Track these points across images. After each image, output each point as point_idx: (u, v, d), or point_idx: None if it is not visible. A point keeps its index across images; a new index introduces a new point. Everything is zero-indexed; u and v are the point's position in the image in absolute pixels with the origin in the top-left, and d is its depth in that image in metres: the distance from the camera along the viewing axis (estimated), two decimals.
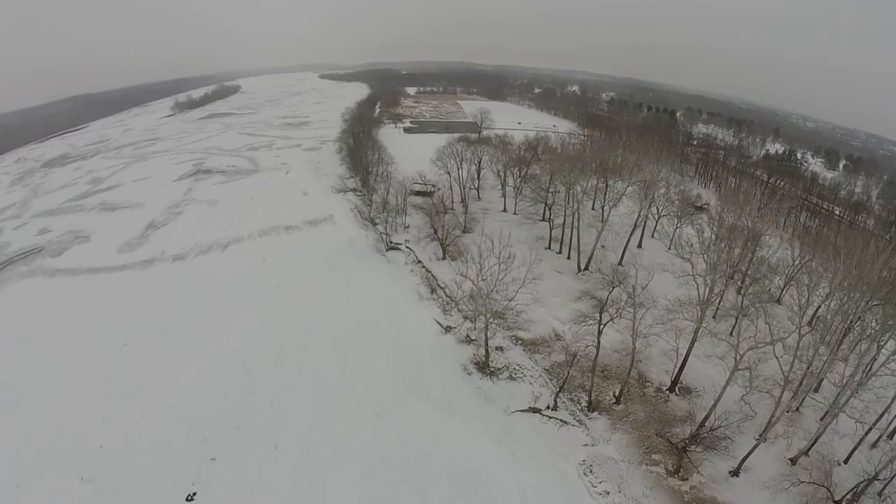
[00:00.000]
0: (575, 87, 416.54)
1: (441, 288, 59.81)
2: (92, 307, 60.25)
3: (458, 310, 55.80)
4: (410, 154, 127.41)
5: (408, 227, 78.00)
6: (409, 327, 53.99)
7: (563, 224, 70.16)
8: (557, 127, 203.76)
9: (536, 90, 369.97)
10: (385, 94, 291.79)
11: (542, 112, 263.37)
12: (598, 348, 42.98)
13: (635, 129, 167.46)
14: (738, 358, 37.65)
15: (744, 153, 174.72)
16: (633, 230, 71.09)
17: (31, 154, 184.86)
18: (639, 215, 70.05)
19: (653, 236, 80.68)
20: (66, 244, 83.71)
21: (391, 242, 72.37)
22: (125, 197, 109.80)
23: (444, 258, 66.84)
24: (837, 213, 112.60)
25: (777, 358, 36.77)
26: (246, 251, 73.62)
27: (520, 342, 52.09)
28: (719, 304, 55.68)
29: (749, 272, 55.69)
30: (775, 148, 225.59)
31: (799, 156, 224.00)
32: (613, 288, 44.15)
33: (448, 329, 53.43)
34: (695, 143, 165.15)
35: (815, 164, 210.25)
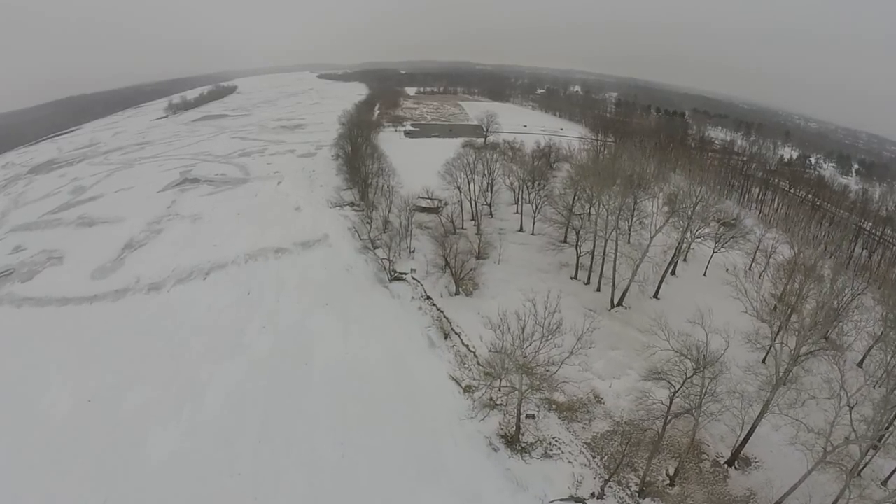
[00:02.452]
0: (577, 88, 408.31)
1: (456, 334, 50.82)
2: (57, 349, 52.31)
3: (479, 363, 46.92)
4: (413, 162, 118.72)
5: (413, 251, 68.91)
6: (420, 385, 45.15)
7: (593, 251, 61.25)
8: (565, 130, 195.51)
9: (539, 91, 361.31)
10: (384, 94, 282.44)
11: (547, 114, 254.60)
12: (661, 435, 34.38)
13: (648, 134, 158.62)
14: (827, 448, 30.25)
15: (761, 160, 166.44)
16: (674, 258, 62.43)
17: (19, 158, 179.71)
18: (681, 242, 61.29)
19: (685, 260, 72.16)
20: (38, 266, 76.13)
21: (394, 271, 63.36)
22: (105, 210, 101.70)
23: (457, 293, 57.83)
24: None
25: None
26: (229, 280, 64.60)
27: (554, 407, 43.33)
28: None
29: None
30: (789, 154, 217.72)
31: (812, 161, 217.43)
32: (681, 359, 35.22)
33: (467, 389, 44.62)
34: (715, 151, 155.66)
35: (827, 170, 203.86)
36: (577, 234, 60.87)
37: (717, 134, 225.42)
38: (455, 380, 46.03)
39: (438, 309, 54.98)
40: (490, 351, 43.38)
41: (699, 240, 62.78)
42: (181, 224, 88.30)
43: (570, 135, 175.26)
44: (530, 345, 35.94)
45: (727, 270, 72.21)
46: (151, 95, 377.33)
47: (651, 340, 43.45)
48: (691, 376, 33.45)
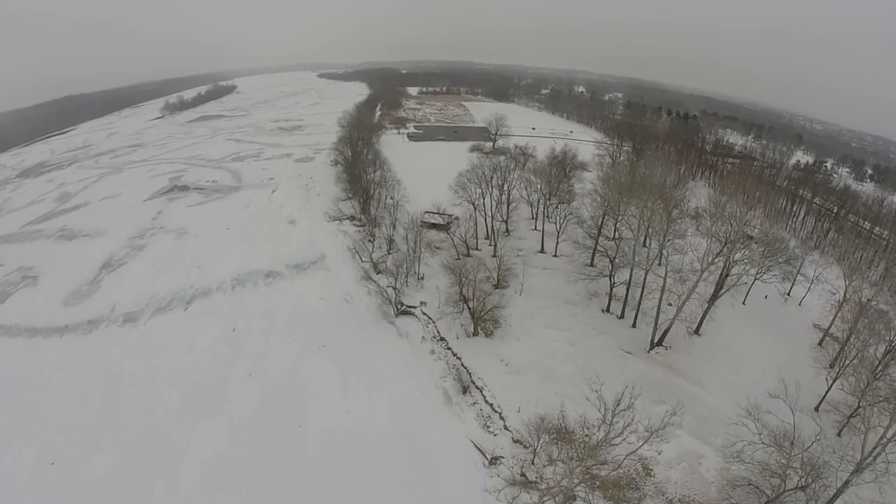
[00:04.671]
0: (581, 89, 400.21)
1: (478, 388, 42.90)
2: (22, 394, 46.40)
3: (507, 427, 39.12)
4: (418, 169, 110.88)
5: (422, 278, 60.90)
6: (436, 454, 37.40)
7: (629, 281, 53.33)
8: (575, 133, 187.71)
9: (543, 91, 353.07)
10: (385, 94, 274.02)
11: (554, 115, 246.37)
12: None
13: (664, 139, 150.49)
14: None
15: (777, 166, 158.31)
16: (719, 287, 54.41)
17: (11, 160, 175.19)
18: (724, 271, 53.26)
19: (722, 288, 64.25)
20: (12, 287, 70.33)
21: (401, 304, 55.38)
22: (88, 221, 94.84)
23: (475, 334, 49.86)
24: None
25: None
26: (213, 312, 56.70)
27: (597, 485, 35.53)
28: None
29: None
30: (805, 159, 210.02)
31: (828, 166, 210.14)
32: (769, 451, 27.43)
33: (494, 461, 36.82)
34: (734, 157, 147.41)
35: (841, 175, 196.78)
36: (612, 262, 52.90)
37: (732, 139, 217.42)
38: (478, 447, 38.25)
39: (454, 354, 47.00)
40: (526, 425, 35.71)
41: (741, 265, 54.82)
42: (165, 239, 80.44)
43: (583, 138, 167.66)
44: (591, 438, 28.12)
45: (766, 297, 64.77)
46: (150, 95, 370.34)
47: (734, 430, 35.87)
48: (791, 490, 25.74)
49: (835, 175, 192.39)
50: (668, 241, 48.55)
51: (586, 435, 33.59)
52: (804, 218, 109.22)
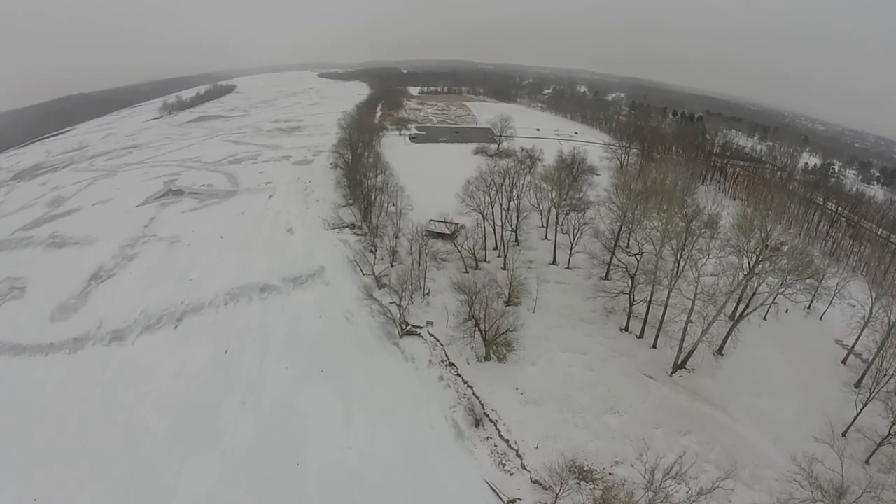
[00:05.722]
0: (584, 89, 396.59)
1: (492, 421, 39.30)
2: (5, 421, 43.43)
3: (524, 466, 35.59)
4: (421, 173, 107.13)
5: (428, 294, 57.21)
6: (448, 497, 33.90)
7: (649, 298, 49.83)
8: (580, 134, 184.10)
9: (546, 91, 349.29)
10: (386, 94, 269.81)
11: (558, 116, 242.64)
12: None
13: (671, 141, 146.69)
14: None
15: (788, 169, 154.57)
16: (742, 308, 50.94)
17: (7, 162, 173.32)
18: (754, 290, 49.83)
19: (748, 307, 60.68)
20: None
21: (406, 324, 51.62)
22: (79, 227, 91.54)
23: (487, 358, 46.26)
24: None
25: None
26: (204, 331, 53.08)
27: None
28: None
29: None
30: (813, 162, 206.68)
31: (836, 168, 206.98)
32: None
33: None
34: (744, 160, 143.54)
35: (848, 177, 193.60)
36: (632, 279, 49.31)
37: (739, 140, 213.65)
38: (493, 488, 34.72)
39: (465, 382, 43.38)
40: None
41: (771, 282, 51.25)
42: (156, 248, 76.85)
43: (589, 140, 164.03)
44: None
45: (786, 311, 61.40)
46: (149, 95, 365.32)
47: (785, 488, 32.59)
48: None
49: (842, 178, 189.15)
50: (694, 257, 44.84)
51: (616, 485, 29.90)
52: (819, 224, 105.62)
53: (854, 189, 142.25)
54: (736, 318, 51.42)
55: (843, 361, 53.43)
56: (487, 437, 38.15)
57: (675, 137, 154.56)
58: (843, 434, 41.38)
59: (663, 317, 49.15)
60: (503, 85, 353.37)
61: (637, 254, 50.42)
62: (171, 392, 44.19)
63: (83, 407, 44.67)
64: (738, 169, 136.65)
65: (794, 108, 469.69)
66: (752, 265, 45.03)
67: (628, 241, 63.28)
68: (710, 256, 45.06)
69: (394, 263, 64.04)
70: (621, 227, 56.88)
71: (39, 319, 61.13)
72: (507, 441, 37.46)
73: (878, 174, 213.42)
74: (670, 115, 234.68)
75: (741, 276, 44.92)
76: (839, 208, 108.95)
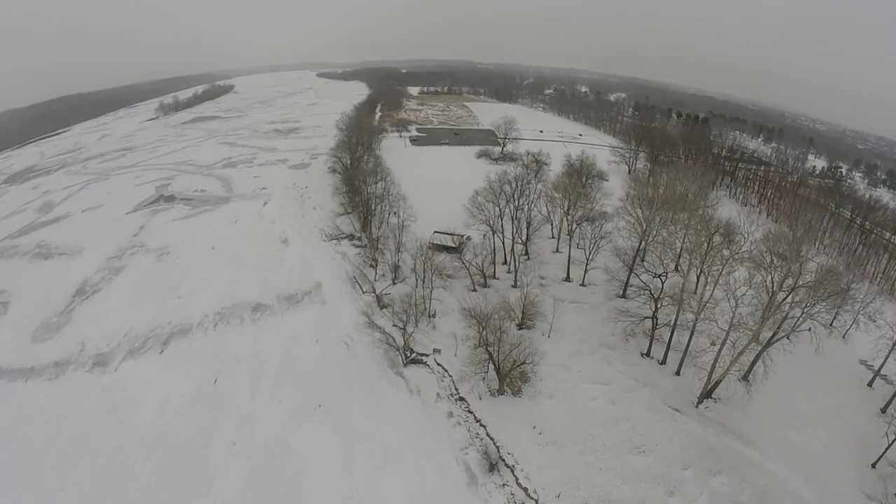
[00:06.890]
0: (585, 89, 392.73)
1: (508, 467, 35.30)
2: None
3: None
4: (423, 179, 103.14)
5: (433, 316, 53.13)
6: None
7: (674, 322, 45.96)
8: (584, 135, 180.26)
9: (547, 91, 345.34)
10: (385, 94, 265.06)
11: (560, 117, 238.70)
12: None
13: (678, 144, 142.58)
14: None
15: (798, 173, 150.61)
16: (772, 334, 47.02)
17: (0, 164, 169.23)
18: (785, 314, 45.79)
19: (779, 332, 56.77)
20: None
21: (411, 351, 47.54)
22: (67, 236, 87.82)
23: (500, 392, 42.20)
24: None
25: None
26: (192, 357, 49.03)
27: None
28: None
29: None
30: (820, 164, 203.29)
31: (844, 171, 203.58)
32: None
33: None
34: (752, 164, 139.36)
35: (855, 179, 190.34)
36: (656, 301, 45.43)
37: (744, 142, 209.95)
38: None
39: (477, 420, 39.40)
40: None
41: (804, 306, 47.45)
42: (144, 261, 72.83)
43: (594, 142, 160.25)
44: None
45: (809, 329, 57.68)
46: (147, 95, 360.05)
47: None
48: None
49: (850, 180, 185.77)
50: (732, 285, 40.93)
51: None
52: (831, 232, 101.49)
53: (868, 195, 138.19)
54: (765, 343, 47.86)
55: (870, 384, 50.49)
56: (504, 484, 34.21)
57: (682, 140, 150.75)
58: (873, 465, 39.08)
59: (688, 343, 45.38)
60: (503, 85, 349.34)
61: (661, 274, 46.50)
62: (155, 429, 40.19)
63: (62, 443, 40.80)
64: (747, 173, 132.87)
65: (795, 109, 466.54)
66: (790, 293, 41.26)
67: (643, 255, 59.58)
68: (748, 287, 41.05)
69: (396, 281, 60.07)
70: (641, 243, 53.00)
71: (21, 339, 57.66)
72: (525, 490, 33.53)
73: (884, 177, 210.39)
74: (675, 117, 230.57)
75: (774, 300, 41.04)
76: (855, 216, 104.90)
